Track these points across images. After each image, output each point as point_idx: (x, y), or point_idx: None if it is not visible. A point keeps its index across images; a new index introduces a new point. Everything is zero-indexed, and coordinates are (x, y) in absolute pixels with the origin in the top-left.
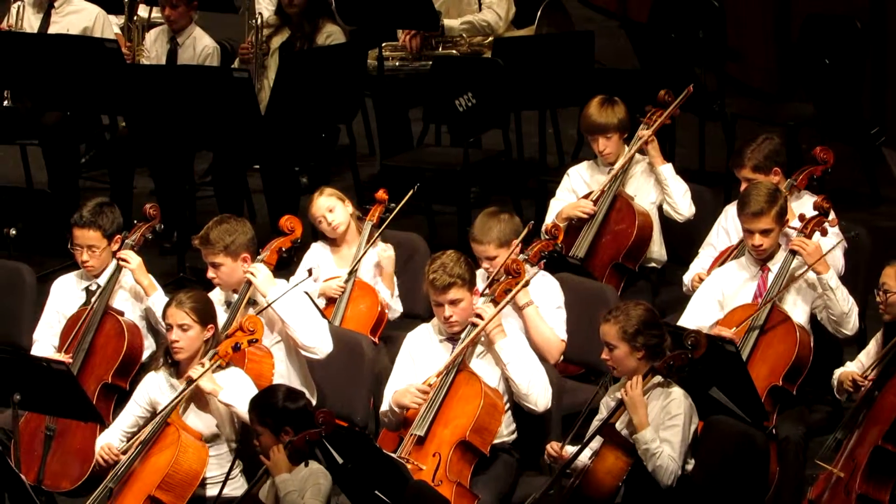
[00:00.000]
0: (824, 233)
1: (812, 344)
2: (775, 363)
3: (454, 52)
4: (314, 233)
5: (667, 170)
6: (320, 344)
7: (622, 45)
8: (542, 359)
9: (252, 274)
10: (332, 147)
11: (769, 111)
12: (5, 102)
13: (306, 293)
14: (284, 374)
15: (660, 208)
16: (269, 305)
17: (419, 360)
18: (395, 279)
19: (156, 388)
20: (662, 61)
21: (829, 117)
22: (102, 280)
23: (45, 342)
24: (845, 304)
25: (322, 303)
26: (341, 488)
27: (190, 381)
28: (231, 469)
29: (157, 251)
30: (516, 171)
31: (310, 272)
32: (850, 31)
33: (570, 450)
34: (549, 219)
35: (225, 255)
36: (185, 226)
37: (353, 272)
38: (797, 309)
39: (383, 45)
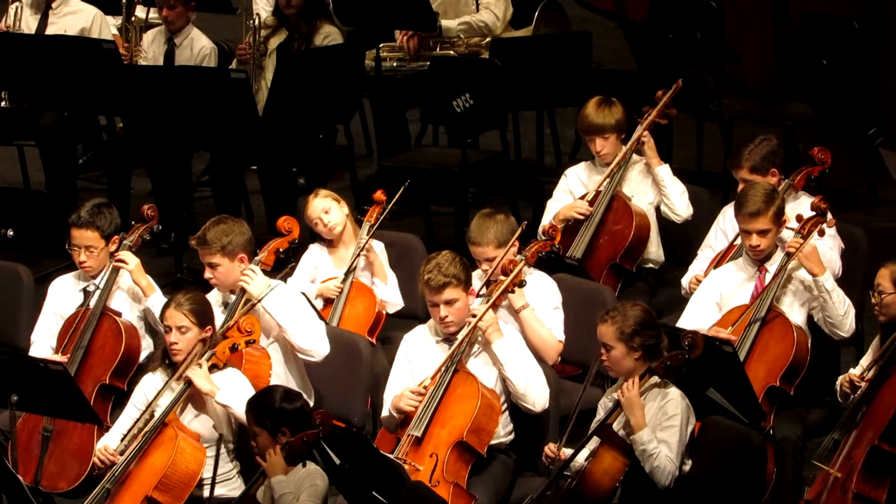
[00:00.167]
0: (822, 233)
1: (809, 345)
2: (772, 364)
3: (452, 52)
4: (312, 234)
5: (664, 171)
6: (317, 347)
7: (620, 46)
8: (540, 359)
9: (245, 281)
10: (329, 148)
11: (767, 111)
12: (3, 103)
13: (303, 294)
14: (282, 374)
15: (657, 209)
16: (258, 302)
17: (416, 362)
18: (387, 270)
19: (153, 390)
20: (660, 62)
21: (827, 118)
22: (100, 281)
23: (43, 343)
24: (841, 307)
25: (319, 304)
26: (338, 489)
27: (188, 382)
28: (215, 470)
29: (155, 252)
30: (514, 172)
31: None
32: (847, 31)
33: (567, 451)
34: (546, 220)
35: (222, 256)
36: (183, 226)
37: (349, 272)
38: (794, 310)
39: (381, 45)
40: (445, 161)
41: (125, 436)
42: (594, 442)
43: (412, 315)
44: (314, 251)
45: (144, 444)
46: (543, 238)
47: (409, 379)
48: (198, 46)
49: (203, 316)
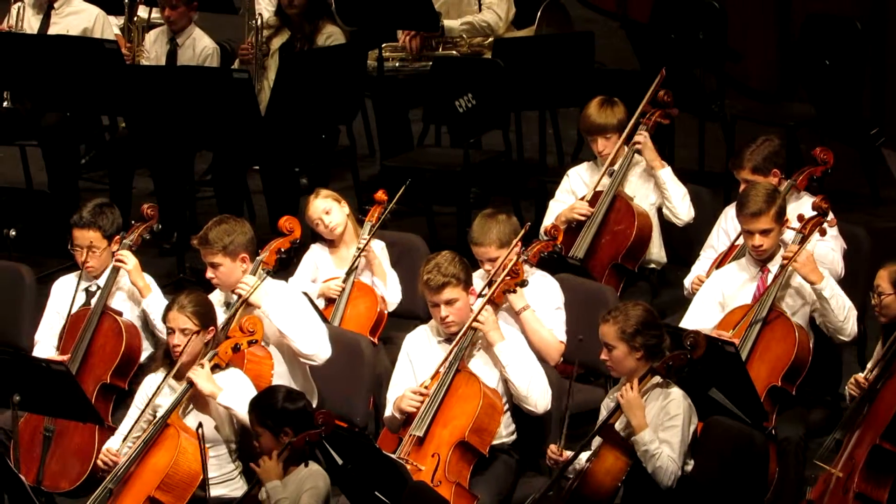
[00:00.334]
0: (823, 233)
1: (811, 344)
2: (774, 364)
3: (454, 52)
4: (313, 234)
5: (666, 174)
6: (319, 351)
7: (622, 46)
8: (542, 360)
9: (242, 288)
10: (331, 148)
11: (769, 112)
12: (5, 103)
13: (305, 294)
14: (284, 374)
15: (659, 209)
16: (245, 299)
17: (418, 362)
18: (387, 268)
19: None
20: (662, 62)
21: (829, 118)
22: (102, 281)
23: (47, 343)
24: (841, 313)
25: (321, 304)
26: (341, 489)
27: (189, 382)
28: (204, 466)
29: (157, 252)
30: (516, 172)
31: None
32: (850, 31)
33: (569, 452)
34: (549, 220)
35: (223, 256)
36: (185, 226)
37: (351, 272)
38: (796, 310)
39: (383, 45)
40: (448, 161)
41: (127, 436)
42: (596, 442)
43: (413, 315)
44: (315, 251)
45: (147, 444)
46: (546, 238)
47: (411, 379)
48: (200, 46)
49: (205, 317)
